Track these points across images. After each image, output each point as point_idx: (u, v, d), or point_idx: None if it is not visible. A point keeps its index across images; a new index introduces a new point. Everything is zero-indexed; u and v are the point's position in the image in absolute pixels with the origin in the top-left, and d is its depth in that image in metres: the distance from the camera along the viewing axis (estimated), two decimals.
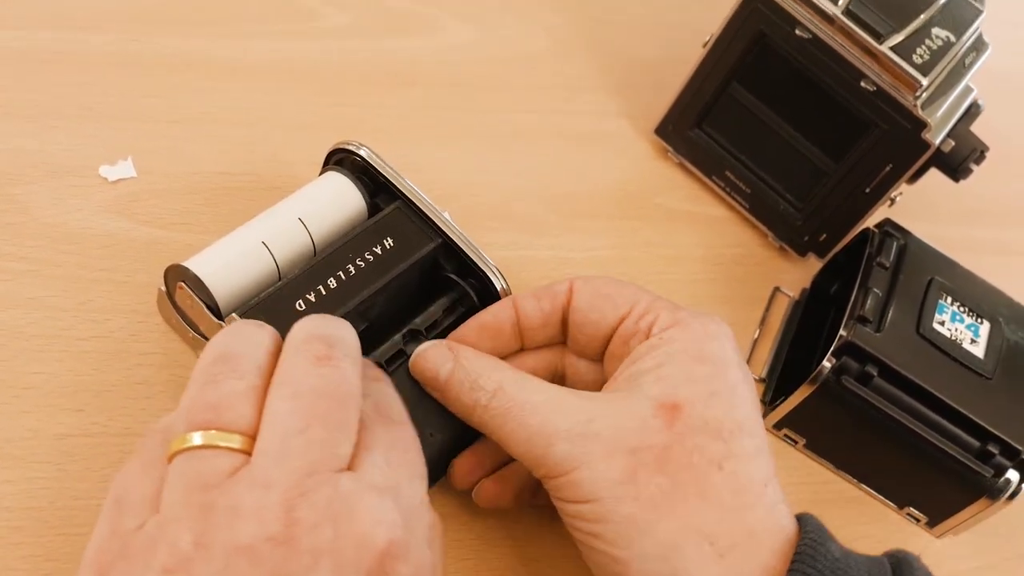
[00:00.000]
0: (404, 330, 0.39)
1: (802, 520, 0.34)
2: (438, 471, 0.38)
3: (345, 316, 0.36)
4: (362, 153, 0.40)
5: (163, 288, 0.38)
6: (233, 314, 0.35)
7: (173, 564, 0.26)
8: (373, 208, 0.41)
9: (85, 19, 0.48)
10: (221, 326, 0.36)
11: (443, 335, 0.39)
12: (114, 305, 0.40)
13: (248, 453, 0.28)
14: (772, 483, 0.34)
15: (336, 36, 0.53)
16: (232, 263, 0.37)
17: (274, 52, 0.51)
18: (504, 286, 0.39)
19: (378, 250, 0.38)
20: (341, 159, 0.41)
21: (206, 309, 0.36)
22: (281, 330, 0.35)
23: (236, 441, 0.28)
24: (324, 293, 0.37)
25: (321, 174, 0.41)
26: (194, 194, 0.45)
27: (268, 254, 0.37)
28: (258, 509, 0.27)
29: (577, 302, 0.38)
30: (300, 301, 0.36)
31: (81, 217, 0.42)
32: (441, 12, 0.57)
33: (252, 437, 0.28)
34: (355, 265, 0.38)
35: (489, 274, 0.39)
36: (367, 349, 0.37)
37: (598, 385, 0.38)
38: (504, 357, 0.39)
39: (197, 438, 0.28)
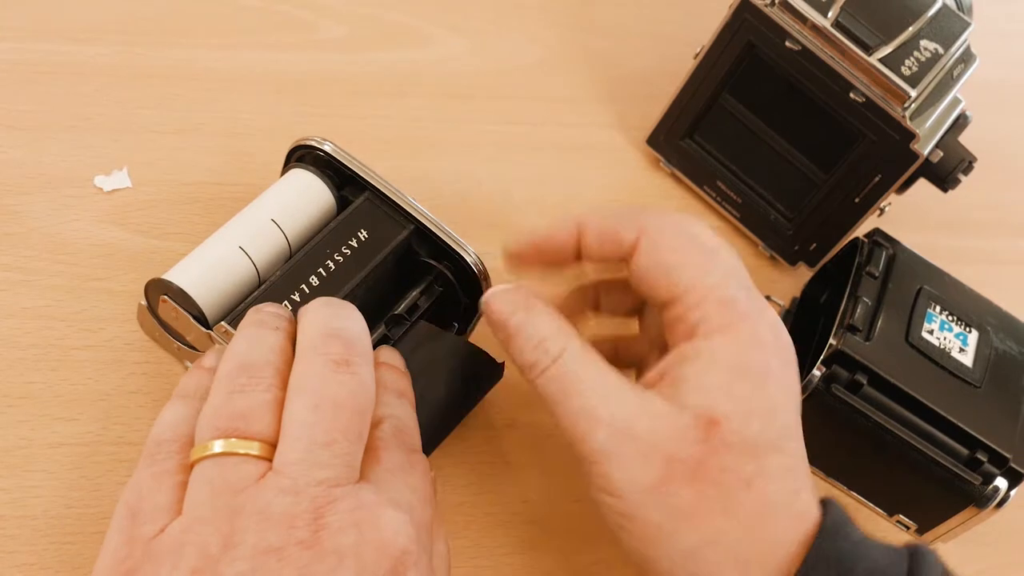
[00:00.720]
0: (387, 316, 0.39)
1: (825, 506, 0.34)
2: (434, 439, 0.39)
3: None
4: (326, 148, 0.40)
5: (144, 302, 0.39)
6: (222, 322, 0.36)
7: (201, 565, 0.27)
8: (341, 201, 0.41)
9: (82, 30, 0.49)
10: (209, 335, 0.36)
11: (424, 317, 0.40)
12: (109, 315, 0.41)
13: (267, 459, 0.29)
14: (803, 491, 0.34)
15: (332, 48, 0.53)
16: (212, 271, 0.37)
17: (270, 63, 0.51)
18: (476, 260, 0.40)
19: (354, 243, 0.39)
20: (303, 155, 0.41)
21: (192, 319, 0.36)
22: None
23: (256, 448, 0.29)
24: (308, 292, 0.37)
25: (284, 172, 0.42)
26: (189, 204, 0.45)
27: (246, 258, 0.38)
28: (287, 515, 0.28)
29: (637, 263, 0.36)
30: (285, 302, 0.37)
31: (77, 227, 0.42)
32: (435, 25, 0.57)
33: (270, 444, 0.29)
34: (333, 260, 0.38)
35: (463, 253, 0.40)
36: None
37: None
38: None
39: (219, 445, 0.29)
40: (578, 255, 0.37)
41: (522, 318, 0.35)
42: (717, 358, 0.34)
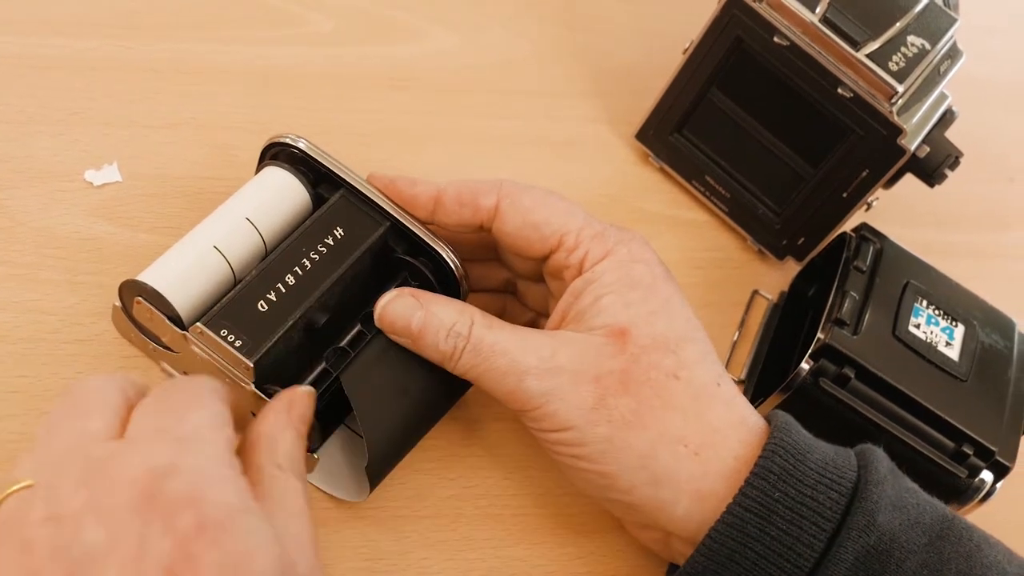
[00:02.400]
0: (363, 314, 0.39)
1: (772, 414, 0.38)
2: (419, 431, 0.39)
3: (307, 310, 0.37)
4: (301, 145, 0.40)
5: (118, 304, 0.38)
6: (198, 323, 0.35)
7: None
8: (316, 198, 0.41)
9: (72, 25, 0.49)
10: (185, 336, 0.36)
11: None
12: (100, 309, 0.41)
13: None
14: (723, 380, 0.38)
15: (322, 42, 0.53)
16: (187, 272, 0.37)
17: (260, 58, 0.51)
18: (453, 257, 0.40)
19: (330, 241, 0.39)
20: (277, 153, 0.41)
21: (168, 321, 0.36)
22: (251, 334, 0.35)
23: None
24: (284, 291, 0.37)
25: (258, 170, 0.41)
26: (179, 198, 0.45)
27: (221, 258, 0.37)
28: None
29: (503, 226, 0.39)
30: (261, 302, 0.37)
31: (67, 221, 0.42)
32: (425, 19, 0.57)
33: None
34: (309, 259, 0.38)
35: (438, 250, 0.40)
36: (329, 339, 0.38)
37: (544, 298, 0.42)
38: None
39: None
40: (430, 216, 0.40)
41: (422, 316, 0.37)
42: (606, 280, 0.38)
